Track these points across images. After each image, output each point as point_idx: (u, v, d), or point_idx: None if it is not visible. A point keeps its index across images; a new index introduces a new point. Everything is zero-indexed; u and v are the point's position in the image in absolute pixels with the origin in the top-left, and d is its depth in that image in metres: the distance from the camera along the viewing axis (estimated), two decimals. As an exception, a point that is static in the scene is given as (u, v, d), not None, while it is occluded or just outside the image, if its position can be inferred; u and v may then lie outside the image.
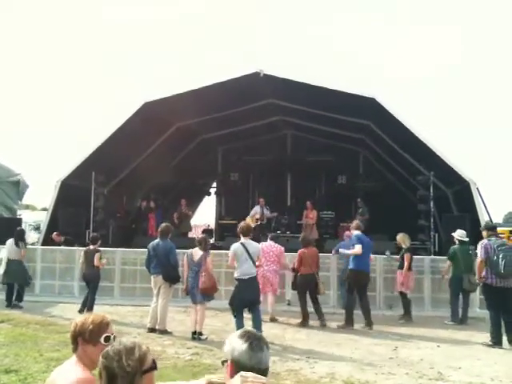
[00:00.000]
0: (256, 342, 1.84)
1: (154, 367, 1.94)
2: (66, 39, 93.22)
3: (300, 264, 8.72)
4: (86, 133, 56.31)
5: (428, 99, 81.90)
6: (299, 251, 8.86)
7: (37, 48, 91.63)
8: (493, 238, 7.34)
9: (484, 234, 7.50)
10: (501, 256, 7.00)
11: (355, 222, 9.05)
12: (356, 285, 8.48)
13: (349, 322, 8.30)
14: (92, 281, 9.04)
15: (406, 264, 9.02)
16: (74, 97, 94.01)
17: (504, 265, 6.95)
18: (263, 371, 1.82)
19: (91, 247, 9.19)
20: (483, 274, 7.21)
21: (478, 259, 7.33)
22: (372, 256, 8.87)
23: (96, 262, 8.93)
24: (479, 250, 7.30)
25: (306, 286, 8.66)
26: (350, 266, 8.55)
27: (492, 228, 7.77)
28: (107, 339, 2.32)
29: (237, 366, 1.80)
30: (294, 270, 8.91)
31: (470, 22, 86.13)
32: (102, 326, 2.34)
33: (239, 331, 1.92)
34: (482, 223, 9.48)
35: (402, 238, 9.33)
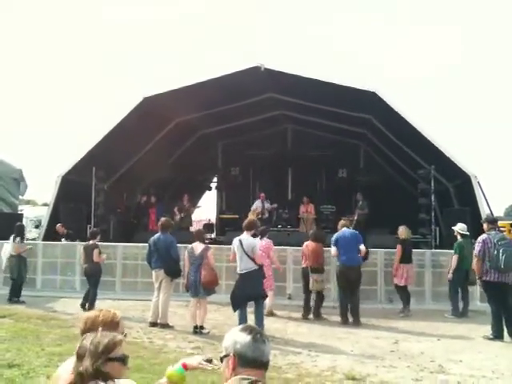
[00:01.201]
0: (259, 334, 1.86)
1: (121, 359, 1.97)
2: (66, 39, 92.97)
3: (302, 257, 8.97)
4: (86, 131, 56.58)
5: (428, 99, 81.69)
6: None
7: (37, 48, 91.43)
8: (493, 232, 7.32)
9: (485, 226, 7.47)
10: (501, 251, 6.98)
11: (340, 222, 8.88)
12: (344, 280, 8.42)
13: (343, 317, 8.30)
14: (92, 276, 9.02)
15: (396, 256, 9.03)
16: (74, 96, 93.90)
17: (504, 260, 6.93)
18: (265, 364, 1.85)
19: (90, 242, 9.18)
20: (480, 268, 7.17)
21: (474, 256, 7.29)
22: (363, 248, 8.42)
23: (95, 258, 8.91)
24: (476, 246, 7.26)
25: (303, 279, 8.84)
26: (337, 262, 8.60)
27: (493, 221, 7.74)
28: None
29: (239, 359, 1.81)
30: None
31: (470, 22, 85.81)
32: (112, 326, 2.31)
33: (240, 326, 1.96)
34: (483, 217, 9.47)
35: (402, 231, 9.31)
